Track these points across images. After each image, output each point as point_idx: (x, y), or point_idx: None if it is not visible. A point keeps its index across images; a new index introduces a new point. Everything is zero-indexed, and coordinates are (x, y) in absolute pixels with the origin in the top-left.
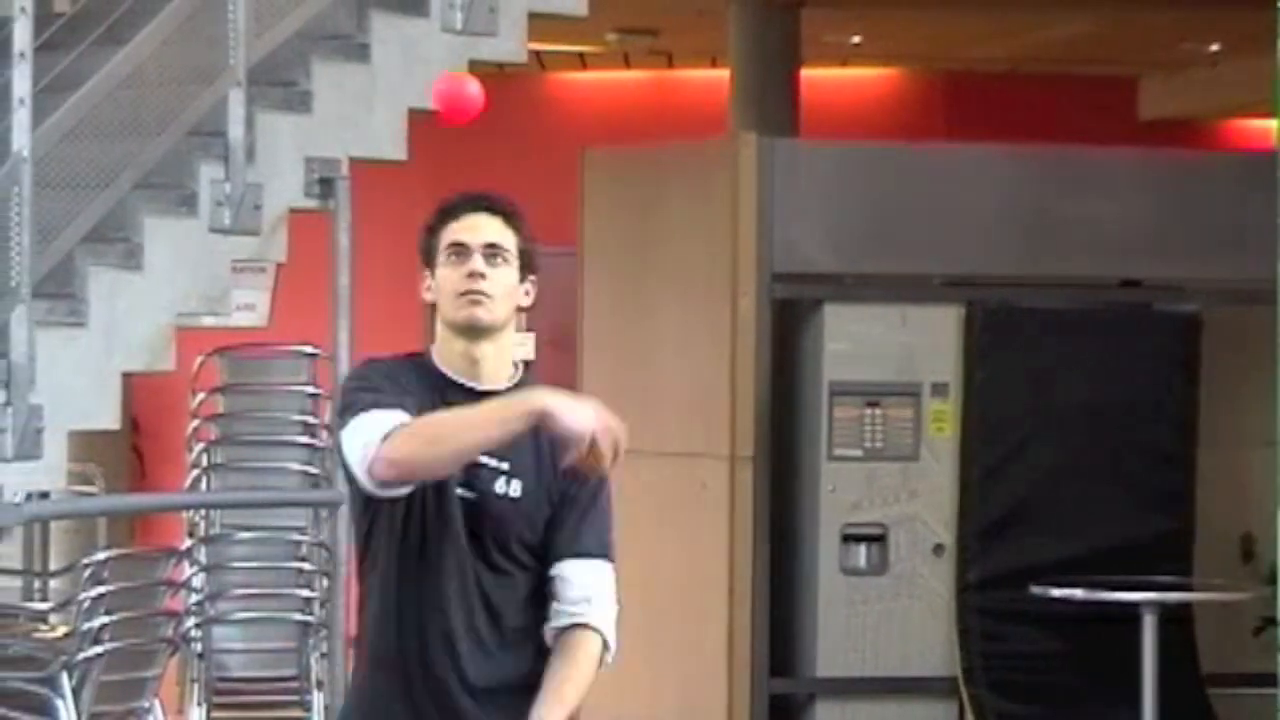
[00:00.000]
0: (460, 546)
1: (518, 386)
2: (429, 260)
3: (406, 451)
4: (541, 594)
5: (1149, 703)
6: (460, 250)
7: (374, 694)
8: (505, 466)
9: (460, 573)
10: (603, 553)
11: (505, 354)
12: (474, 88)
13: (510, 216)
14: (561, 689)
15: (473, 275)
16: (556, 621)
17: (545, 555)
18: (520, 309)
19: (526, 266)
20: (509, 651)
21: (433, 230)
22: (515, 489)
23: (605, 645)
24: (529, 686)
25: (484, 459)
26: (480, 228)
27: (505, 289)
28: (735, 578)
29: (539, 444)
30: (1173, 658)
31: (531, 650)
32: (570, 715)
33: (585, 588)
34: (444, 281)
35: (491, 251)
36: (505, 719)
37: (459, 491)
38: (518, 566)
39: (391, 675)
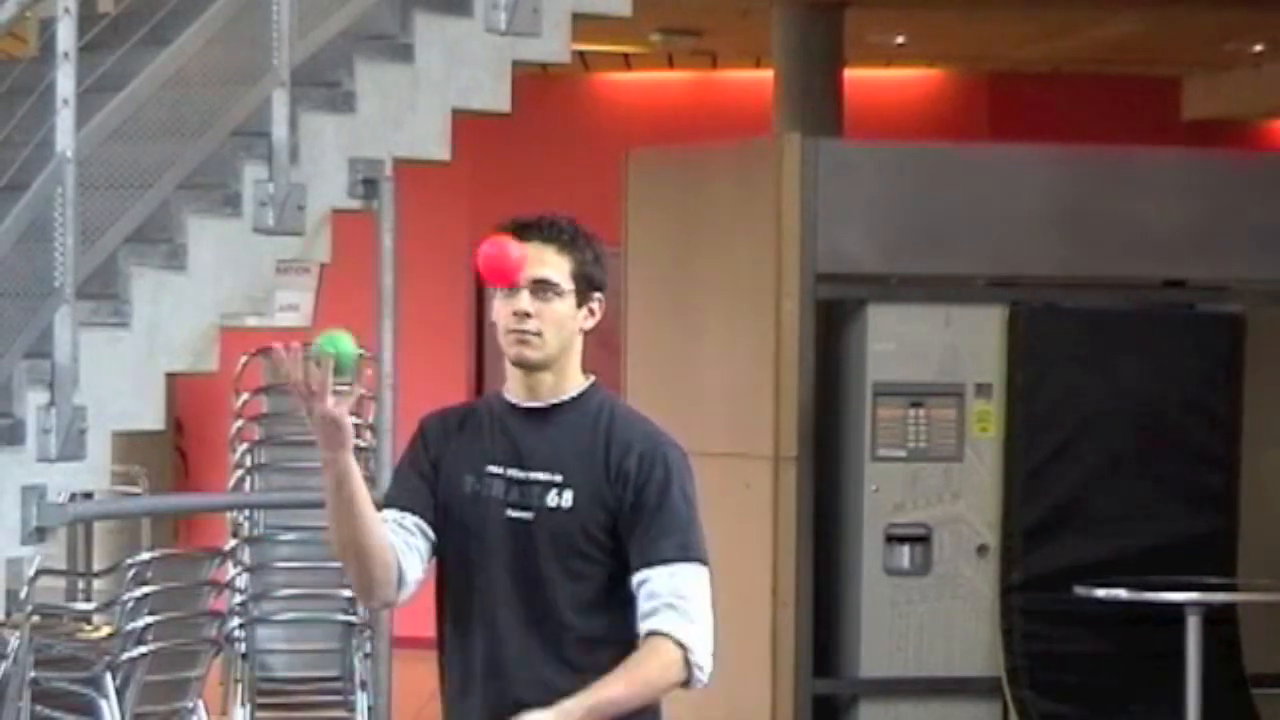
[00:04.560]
0: (515, 568)
1: (580, 398)
2: None
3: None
4: (611, 599)
5: (1192, 703)
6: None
7: None
8: (559, 478)
9: (515, 594)
10: (681, 555)
11: (567, 373)
12: (516, 251)
13: (566, 243)
14: (605, 682)
15: (519, 315)
16: (639, 631)
17: (622, 564)
18: (583, 331)
19: (586, 290)
20: (574, 665)
21: None
22: (568, 499)
23: (686, 653)
24: None
25: (537, 474)
26: (529, 261)
27: (556, 322)
28: (779, 578)
29: (593, 450)
30: (1216, 658)
31: (605, 659)
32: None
33: (659, 596)
34: (498, 314)
35: (540, 287)
36: None
37: (509, 513)
38: (574, 577)
39: (465, 710)
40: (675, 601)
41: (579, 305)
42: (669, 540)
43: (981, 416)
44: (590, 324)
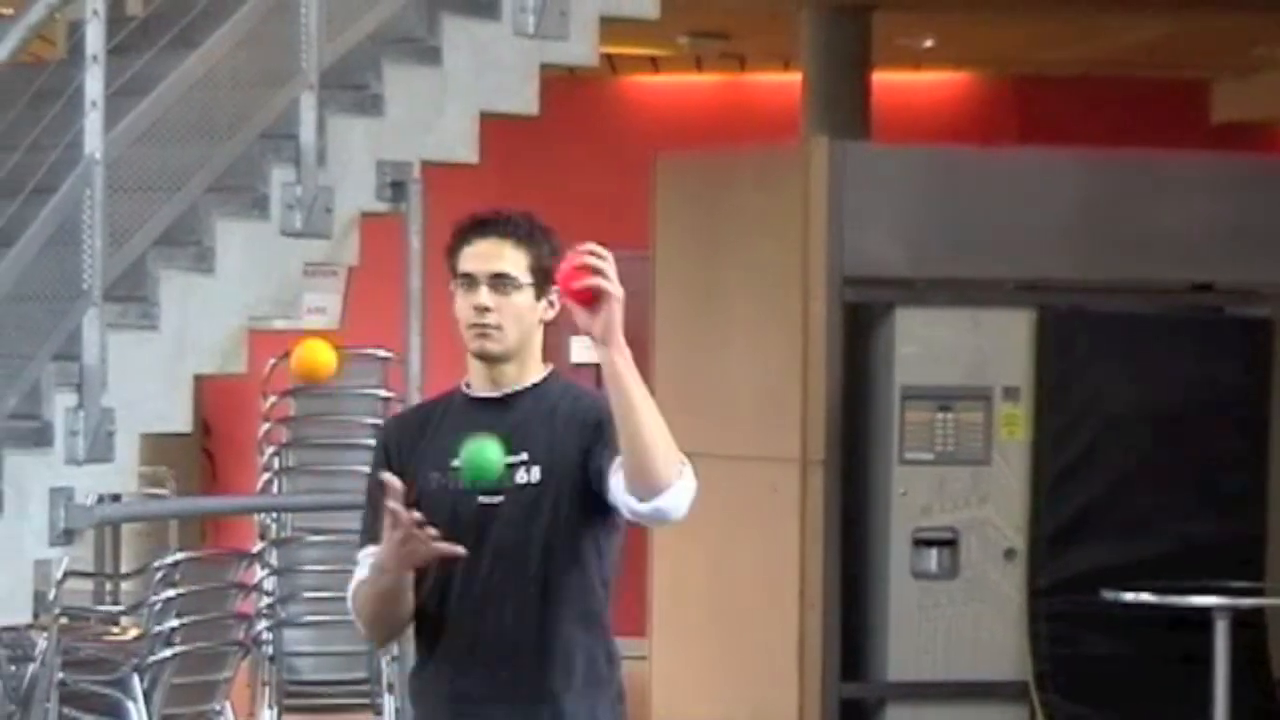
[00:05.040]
0: (490, 549)
1: (541, 384)
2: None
3: (360, 624)
4: (588, 569)
5: (1220, 707)
6: (468, 280)
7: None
8: (524, 456)
9: (494, 573)
10: None
11: (528, 363)
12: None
13: (523, 237)
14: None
15: (478, 309)
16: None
17: (598, 494)
18: (544, 322)
19: (544, 283)
20: (556, 631)
21: (450, 253)
22: (535, 474)
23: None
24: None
25: (508, 456)
26: (487, 256)
27: (515, 315)
28: (806, 581)
29: (553, 424)
30: (1244, 662)
31: (582, 625)
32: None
33: None
34: (458, 309)
35: (498, 281)
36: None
37: (481, 499)
38: (548, 545)
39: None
40: None
41: (538, 298)
42: None
43: (1009, 420)
44: (550, 315)
